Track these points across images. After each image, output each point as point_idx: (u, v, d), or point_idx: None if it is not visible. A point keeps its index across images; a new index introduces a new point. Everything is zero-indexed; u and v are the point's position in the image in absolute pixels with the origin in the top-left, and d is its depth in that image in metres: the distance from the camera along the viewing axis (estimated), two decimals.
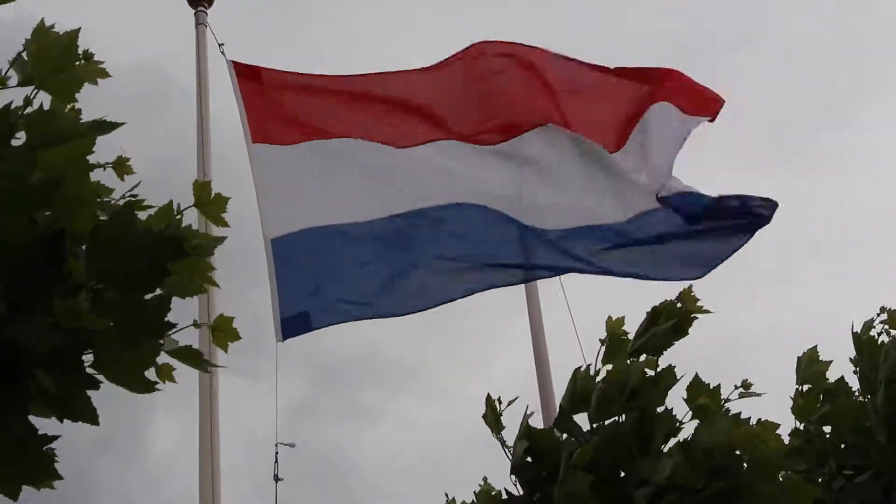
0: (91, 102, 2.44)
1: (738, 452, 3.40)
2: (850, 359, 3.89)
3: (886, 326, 3.88)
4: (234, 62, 7.28)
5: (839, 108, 21.71)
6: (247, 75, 7.23)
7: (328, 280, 6.41)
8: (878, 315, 3.89)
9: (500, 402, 3.63)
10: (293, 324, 6.14)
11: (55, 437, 2.32)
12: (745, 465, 3.39)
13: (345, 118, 7.32)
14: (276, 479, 5.87)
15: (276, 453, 5.82)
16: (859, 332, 3.91)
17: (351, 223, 6.71)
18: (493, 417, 3.58)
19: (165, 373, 2.50)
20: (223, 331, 2.64)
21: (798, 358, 3.94)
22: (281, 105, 7.26)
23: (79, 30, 2.37)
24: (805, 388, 3.92)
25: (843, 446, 3.75)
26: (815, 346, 3.95)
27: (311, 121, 7.24)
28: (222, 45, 7.55)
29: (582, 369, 3.60)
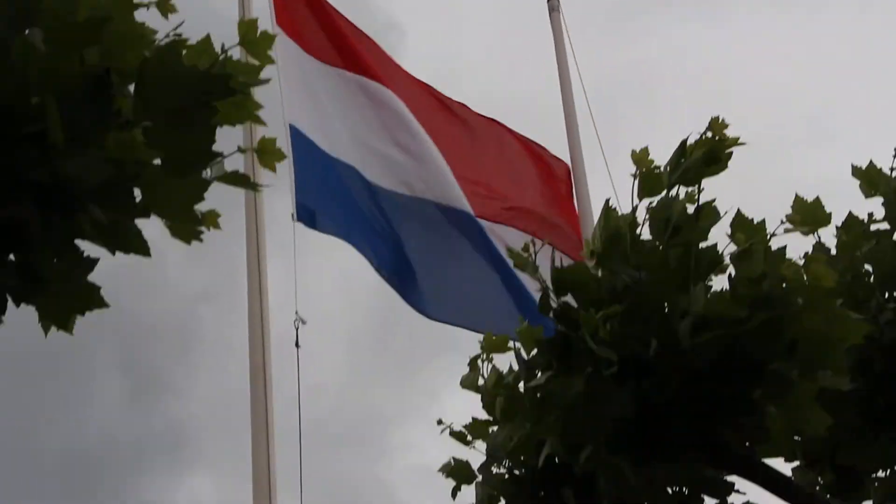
0: None
1: (784, 284, 3.32)
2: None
3: None
4: None
5: None
6: None
7: (341, 204, 6.73)
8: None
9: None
10: (305, 213, 6.43)
11: (96, 260, 2.42)
12: (792, 296, 3.31)
13: (374, 64, 7.27)
14: (297, 346, 6.42)
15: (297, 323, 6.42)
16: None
17: (366, 177, 6.99)
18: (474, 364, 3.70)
19: (211, 220, 2.57)
20: (268, 152, 2.68)
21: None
22: (312, 20, 7.15)
23: None
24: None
25: (886, 278, 3.69)
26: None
27: (340, 52, 7.24)
28: None
29: (614, 207, 3.46)
